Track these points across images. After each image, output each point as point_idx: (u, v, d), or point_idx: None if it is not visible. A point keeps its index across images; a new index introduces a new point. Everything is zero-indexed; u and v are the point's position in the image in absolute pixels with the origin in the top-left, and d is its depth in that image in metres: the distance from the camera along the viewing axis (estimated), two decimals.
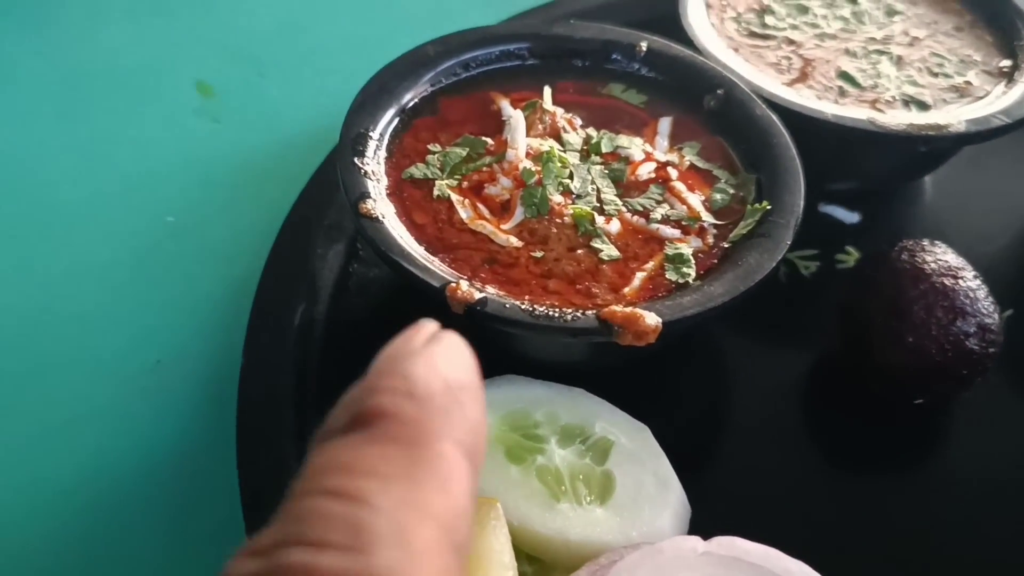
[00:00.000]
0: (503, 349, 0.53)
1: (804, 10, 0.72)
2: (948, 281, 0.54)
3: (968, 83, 0.67)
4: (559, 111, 0.59)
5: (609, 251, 0.52)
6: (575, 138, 0.58)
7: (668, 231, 0.54)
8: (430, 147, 0.57)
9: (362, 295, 0.59)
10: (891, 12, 0.73)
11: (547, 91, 0.60)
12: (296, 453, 0.49)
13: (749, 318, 0.59)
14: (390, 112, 0.58)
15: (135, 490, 0.53)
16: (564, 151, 0.57)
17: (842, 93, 0.65)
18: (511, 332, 0.48)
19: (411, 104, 0.60)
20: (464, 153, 0.57)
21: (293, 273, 0.58)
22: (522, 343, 0.53)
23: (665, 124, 0.61)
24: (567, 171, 0.55)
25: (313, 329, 0.56)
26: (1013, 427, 0.57)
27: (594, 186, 0.56)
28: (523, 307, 0.48)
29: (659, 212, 0.55)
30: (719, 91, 0.61)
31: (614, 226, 0.54)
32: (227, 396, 0.53)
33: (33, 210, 0.67)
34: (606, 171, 0.57)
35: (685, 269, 0.52)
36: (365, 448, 0.24)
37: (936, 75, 0.67)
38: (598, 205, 0.55)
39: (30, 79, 0.77)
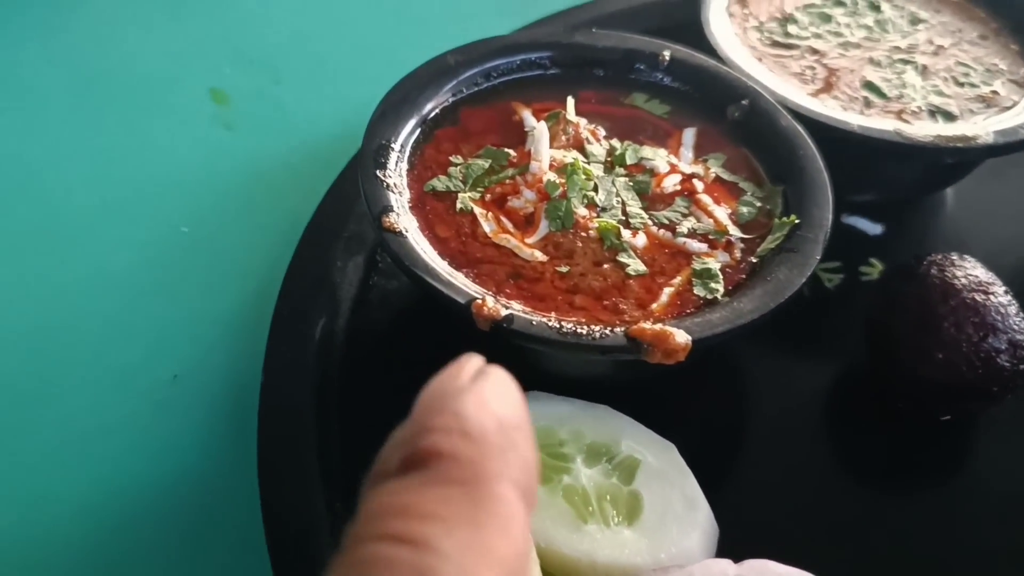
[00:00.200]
0: (524, 364, 0.52)
1: (827, 18, 0.71)
2: (979, 297, 0.53)
3: (995, 93, 0.66)
4: (582, 122, 0.59)
5: (636, 266, 0.52)
6: (599, 149, 0.57)
7: (695, 245, 0.53)
8: (452, 159, 0.57)
9: (383, 308, 0.58)
10: (915, 20, 0.72)
11: (570, 101, 0.59)
12: (319, 471, 0.49)
13: (773, 332, 0.57)
14: (411, 123, 0.57)
15: (151, 508, 0.52)
16: (588, 163, 0.56)
17: (867, 104, 0.64)
18: (537, 349, 0.47)
19: (432, 115, 0.59)
20: (486, 165, 0.56)
21: (313, 286, 0.57)
22: (545, 359, 0.52)
23: (689, 135, 0.60)
24: (591, 183, 0.55)
25: (334, 343, 0.55)
26: None
27: (619, 199, 0.55)
28: (550, 324, 0.47)
29: (685, 225, 0.54)
30: (743, 101, 0.61)
31: (640, 240, 0.53)
32: (246, 412, 0.52)
33: (45, 219, 0.66)
34: (631, 183, 0.56)
35: (713, 284, 0.51)
36: (424, 490, 0.23)
37: (962, 85, 0.66)
38: (623, 218, 0.54)
39: (43, 86, 0.76)
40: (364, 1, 0.86)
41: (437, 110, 0.59)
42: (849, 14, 0.72)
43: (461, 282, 0.49)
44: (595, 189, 0.55)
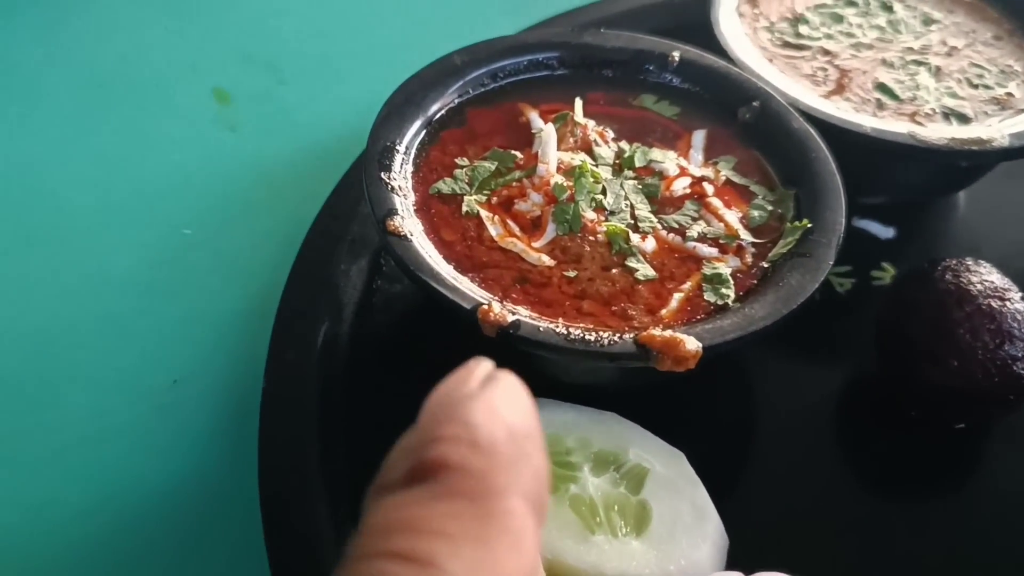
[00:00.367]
0: (530, 371, 0.52)
1: (839, 19, 0.70)
2: (995, 303, 0.52)
3: (1009, 95, 0.65)
4: (590, 123, 0.58)
5: (645, 270, 0.51)
6: (607, 152, 0.56)
7: (705, 250, 0.52)
8: (458, 161, 0.56)
9: (387, 312, 0.58)
10: (928, 21, 0.71)
11: (578, 103, 0.58)
12: (322, 479, 0.48)
13: (784, 337, 0.56)
14: (417, 124, 0.56)
15: (151, 514, 0.51)
16: (596, 165, 0.55)
17: (880, 106, 0.63)
18: (544, 356, 0.46)
19: (438, 116, 0.58)
20: (493, 167, 0.55)
21: (316, 289, 0.56)
22: (551, 365, 0.51)
23: (699, 137, 0.59)
24: (600, 186, 0.54)
25: (337, 348, 0.54)
26: None
27: (628, 202, 0.54)
28: (557, 330, 0.46)
29: (695, 229, 0.53)
30: (754, 103, 0.60)
31: (649, 244, 0.52)
32: (248, 417, 0.52)
33: (46, 221, 0.65)
34: (640, 186, 0.55)
35: (724, 290, 0.50)
36: (430, 504, 0.23)
37: (976, 86, 0.65)
38: (632, 222, 0.53)
39: (44, 86, 0.75)
40: (369, 1, 0.86)
41: (443, 111, 0.59)
42: (861, 14, 0.71)
43: (467, 287, 0.48)
44: (603, 192, 0.54)
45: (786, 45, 0.68)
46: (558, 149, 0.56)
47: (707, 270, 0.51)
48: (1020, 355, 0.50)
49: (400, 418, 0.27)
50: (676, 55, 0.62)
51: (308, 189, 0.64)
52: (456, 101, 0.59)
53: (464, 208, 0.53)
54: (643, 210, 0.54)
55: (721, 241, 0.53)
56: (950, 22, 0.71)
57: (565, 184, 0.53)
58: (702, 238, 0.53)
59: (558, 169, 0.54)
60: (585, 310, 0.49)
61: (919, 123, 0.62)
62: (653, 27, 0.68)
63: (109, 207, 0.66)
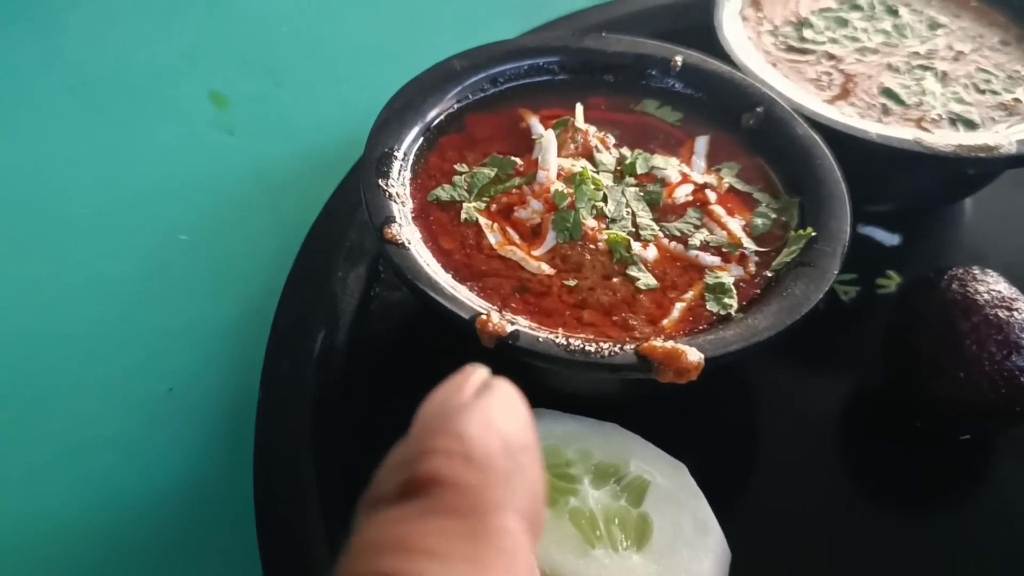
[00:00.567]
0: (530, 381, 0.51)
1: (843, 23, 0.69)
2: (1002, 313, 0.51)
3: (1017, 100, 0.64)
4: (591, 129, 0.57)
5: (646, 280, 0.50)
6: (608, 158, 0.56)
7: (708, 258, 0.51)
8: (457, 167, 0.55)
9: (385, 320, 0.57)
10: (934, 25, 0.70)
11: (579, 108, 0.58)
12: (317, 489, 0.47)
13: (788, 347, 0.56)
14: (415, 130, 0.56)
15: (144, 524, 0.50)
16: (597, 172, 0.54)
17: (886, 111, 0.62)
18: (544, 367, 0.46)
19: (437, 121, 0.57)
20: (492, 174, 0.54)
21: (312, 297, 0.56)
22: (551, 376, 0.50)
23: (702, 143, 0.58)
24: (601, 193, 0.53)
25: (334, 356, 0.54)
26: None
27: (629, 209, 0.53)
28: (557, 341, 0.45)
29: (698, 238, 0.52)
30: (758, 109, 0.59)
31: (651, 252, 0.51)
32: (243, 426, 0.51)
33: (39, 226, 0.64)
34: (641, 193, 0.54)
35: (727, 300, 0.49)
36: (422, 522, 0.22)
37: (983, 92, 0.64)
38: (633, 230, 0.52)
39: (39, 90, 0.74)
40: (368, 4, 0.85)
41: (442, 117, 0.58)
42: (866, 18, 0.70)
43: (465, 296, 0.47)
44: (604, 199, 0.53)
45: (790, 49, 0.67)
46: (558, 155, 0.55)
47: (709, 279, 0.50)
48: None
49: (397, 428, 0.27)
50: (679, 60, 0.61)
51: (305, 194, 0.63)
52: (455, 106, 0.58)
53: (463, 215, 0.52)
54: (645, 218, 0.53)
55: (724, 250, 0.52)
56: (956, 26, 0.70)
57: (565, 191, 0.52)
58: (704, 246, 0.52)
59: (558, 176, 0.53)
60: (585, 320, 0.48)
61: (925, 129, 0.61)
62: (655, 31, 0.67)
63: (104, 212, 0.65)
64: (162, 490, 0.51)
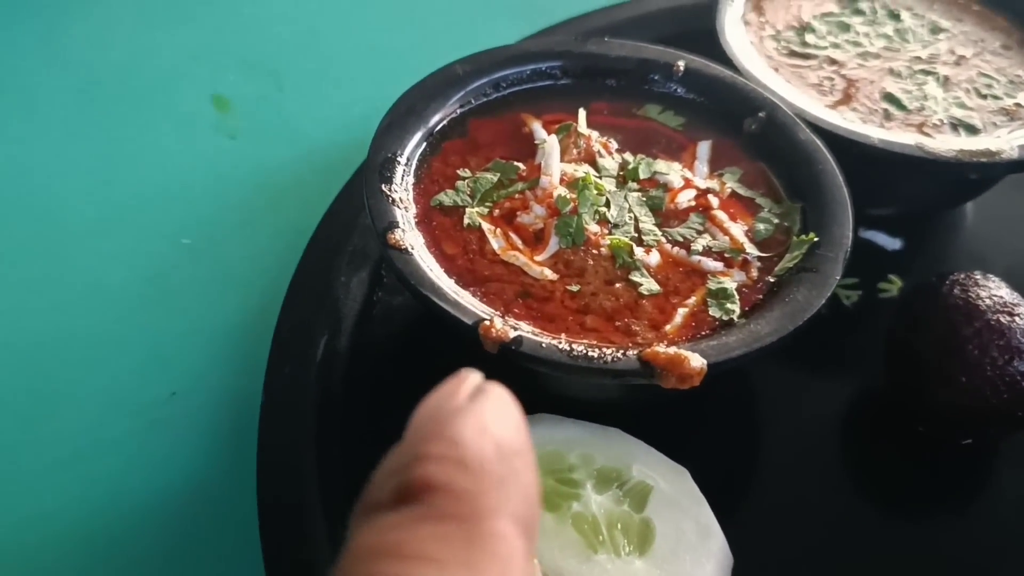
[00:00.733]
0: (533, 386, 0.51)
1: (845, 28, 0.70)
2: (1004, 318, 0.51)
3: (1018, 105, 0.64)
4: (594, 134, 0.57)
5: (649, 285, 0.50)
6: (611, 163, 0.56)
7: (710, 264, 0.51)
8: (460, 172, 0.55)
9: (388, 325, 0.57)
10: (936, 29, 0.70)
11: (582, 113, 0.58)
12: (320, 495, 0.47)
13: (790, 351, 0.56)
14: (418, 135, 0.56)
15: (146, 529, 0.50)
16: (600, 177, 0.54)
17: (887, 116, 0.62)
18: (547, 372, 0.46)
19: (440, 126, 0.57)
20: (495, 179, 0.54)
21: (315, 302, 0.56)
22: (554, 381, 0.50)
23: (704, 148, 0.58)
24: (603, 199, 0.53)
25: (336, 361, 0.54)
26: None
27: (631, 215, 0.53)
28: (560, 346, 0.45)
29: (700, 243, 0.52)
30: (760, 114, 0.59)
31: (653, 258, 0.51)
32: (246, 430, 0.51)
33: (42, 230, 0.65)
34: (644, 198, 0.54)
35: (729, 305, 0.49)
36: (417, 528, 0.22)
37: (985, 97, 0.64)
38: (636, 235, 0.52)
39: (42, 93, 0.75)
40: (370, 7, 0.85)
41: (445, 121, 0.58)
42: (868, 23, 0.70)
43: (468, 302, 0.48)
44: (607, 204, 0.53)
45: (792, 54, 0.67)
46: (561, 160, 0.55)
47: (712, 285, 0.50)
48: None
49: (399, 432, 0.27)
50: (681, 64, 0.62)
51: (308, 199, 0.63)
52: (458, 111, 0.59)
53: (466, 220, 0.52)
54: (647, 223, 0.53)
55: (726, 255, 0.52)
56: (958, 31, 0.70)
57: (568, 196, 0.52)
58: (707, 252, 0.52)
59: (561, 181, 0.53)
60: (588, 325, 0.48)
61: (927, 134, 0.61)
62: (657, 36, 0.67)
63: (107, 216, 0.65)
64: (165, 493, 0.51)
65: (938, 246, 0.68)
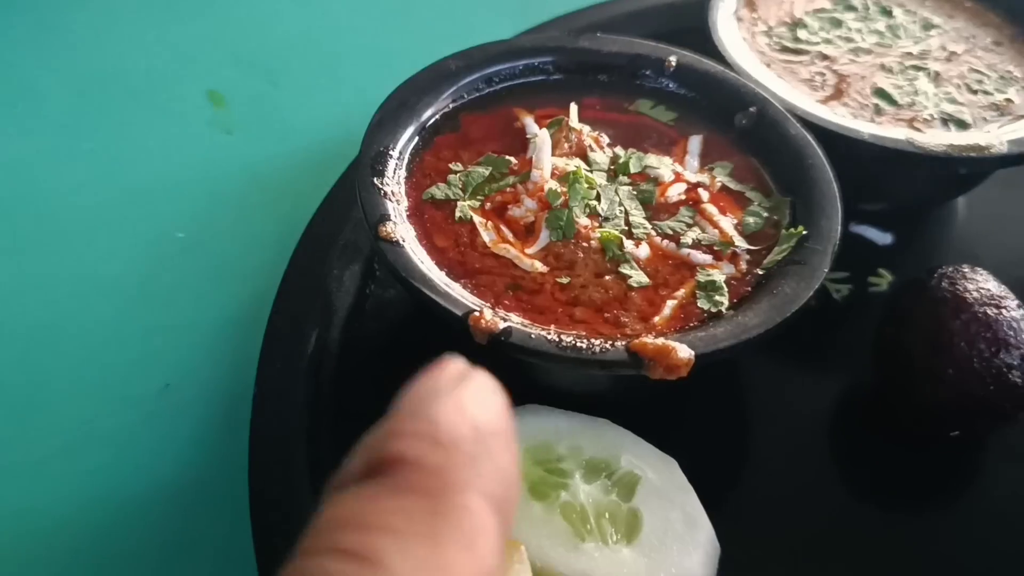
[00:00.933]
0: (522, 377, 0.51)
1: (837, 24, 0.70)
2: (991, 311, 0.51)
3: (1009, 101, 0.64)
4: (585, 129, 0.57)
5: (638, 277, 0.50)
6: (602, 157, 0.56)
7: (699, 256, 0.52)
8: (452, 166, 0.55)
9: (379, 318, 0.57)
10: (927, 26, 0.70)
11: (573, 108, 0.58)
12: (312, 487, 0.48)
13: (779, 344, 0.56)
14: (410, 129, 0.56)
15: (139, 520, 0.51)
16: (591, 171, 0.55)
17: (878, 111, 0.63)
18: (536, 363, 0.46)
19: (432, 121, 0.58)
20: (487, 173, 0.55)
21: (308, 295, 0.56)
22: (544, 372, 0.51)
23: (695, 143, 0.59)
24: (594, 192, 0.53)
25: (328, 354, 0.54)
26: None
27: (622, 208, 0.53)
28: (549, 337, 0.46)
29: (690, 236, 0.53)
30: (751, 109, 0.59)
31: (643, 251, 0.52)
32: (238, 423, 0.51)
33: (37, 224, 0.65)
34: (634, 192, 0.54)
35: (718, 297, 0.50)
36: (382, 500, 0.22)
37: (975, 92, 0.65)
38: (626, 228, 0.53)
39: (37, 89, 0.75)
40: (364, 4, 0.85)
41: (437, 116, 0.58)
42: (860, 19, 0.71)
43: (458, 293, 0.48)
44: (598, 198, 0.53)
45: (784, 50, 0.68)
46: (553, 155, 0.55)
47: (701, 277, 0.51)
48: (1016, 363, 0.50)
49: None
50: (673, 60, 0.62)
51: (302, 193, 0.63)
52: (450, 106, 0.59)
53: (457, 214, 0.53)
54: (637, 216, 0.53)
55: (715, 248, 0.53)
56: (950, 27, 0.70)
57: (559, 190, 0.52)
58: (696, 245, 0.52)
59: (552, 175, 0.54)
60: (578, 317, 0.49)
61: (917, 129, 0.61)
62: (650, 31, 0.67)
63: (101, 209, 0.66)
64: (157, 486, 0.52)
65: (928, 241, 0.69)
